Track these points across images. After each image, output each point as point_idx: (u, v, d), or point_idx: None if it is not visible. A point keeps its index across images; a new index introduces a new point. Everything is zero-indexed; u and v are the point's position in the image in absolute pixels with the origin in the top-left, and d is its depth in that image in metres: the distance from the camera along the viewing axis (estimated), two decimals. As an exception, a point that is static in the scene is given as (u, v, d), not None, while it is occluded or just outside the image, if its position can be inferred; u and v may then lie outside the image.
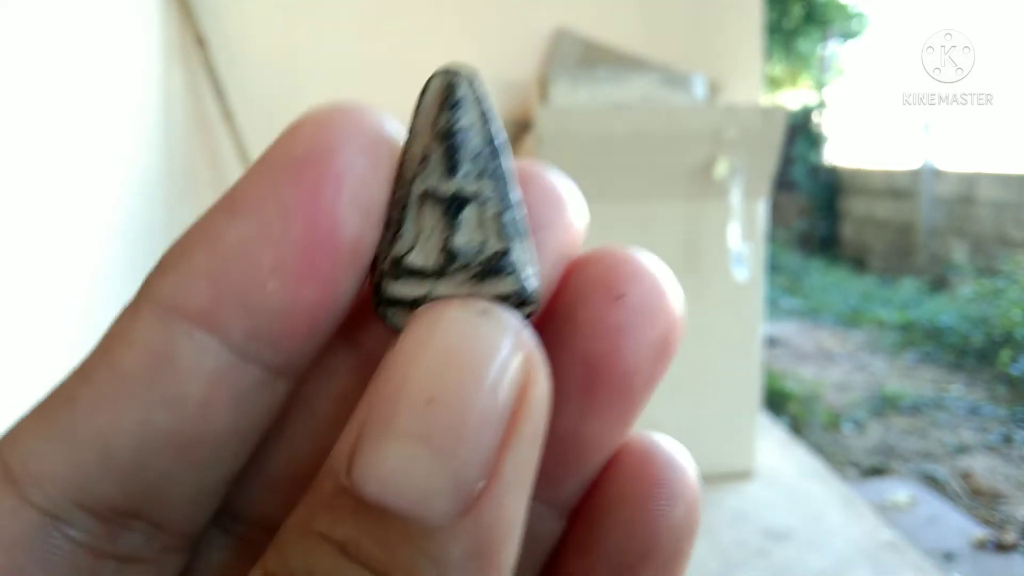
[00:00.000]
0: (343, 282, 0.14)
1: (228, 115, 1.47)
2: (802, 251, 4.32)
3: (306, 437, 0.16)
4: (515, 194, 0.15)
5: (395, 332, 0.14)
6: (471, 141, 0.15)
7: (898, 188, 3.87)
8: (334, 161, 0.14)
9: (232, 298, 0.13)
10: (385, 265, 0.14)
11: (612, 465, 0.16)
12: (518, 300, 0.14)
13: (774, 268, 3.42)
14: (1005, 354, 2.36)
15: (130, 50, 1.24)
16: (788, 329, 2.95)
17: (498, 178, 0.15)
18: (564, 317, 0.15)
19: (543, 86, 1.42)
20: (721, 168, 1.31)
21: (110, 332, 0.14)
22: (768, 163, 1.34)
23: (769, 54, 4.65)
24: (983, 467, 1.80)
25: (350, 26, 1.54)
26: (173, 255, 0.14)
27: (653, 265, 0.15)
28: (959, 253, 3.41)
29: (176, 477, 0.14)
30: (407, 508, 0.12)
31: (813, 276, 3.78)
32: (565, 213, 0.16)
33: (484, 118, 0.15)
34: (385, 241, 0.14)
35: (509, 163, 0.15)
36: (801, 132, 4.49)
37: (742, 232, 1.33)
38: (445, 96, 0.15)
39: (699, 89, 1.45)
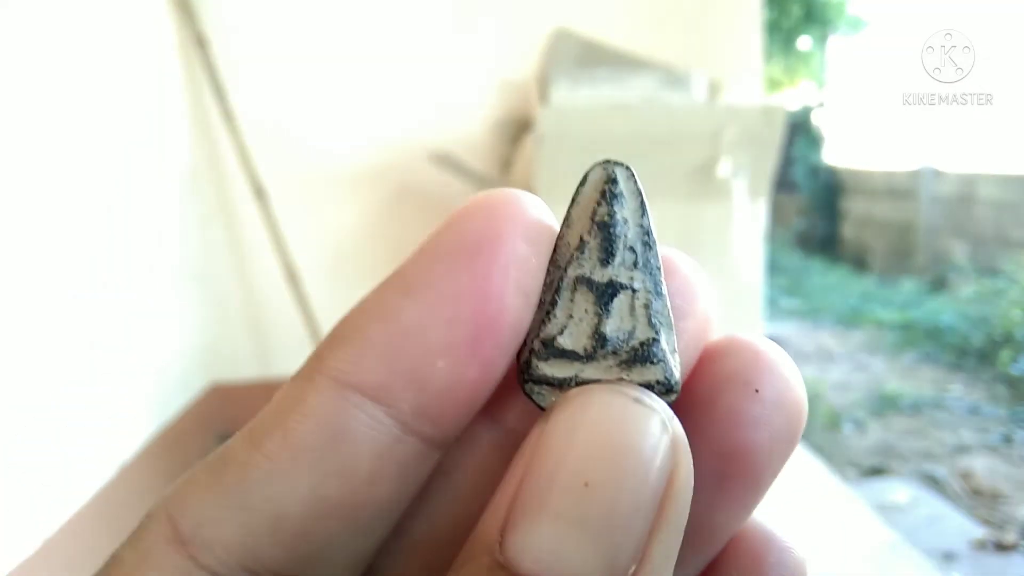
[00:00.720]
0: (501, 361, 0.15)
1: (228, 115, 1.47)
2: (802, 251, 4.32)
3: (446, 505, 0.16)
4: (663, 285, 0.15)
5: (540, 409, 0.15)
6: (628, 232, 0.15)
7: (898, 188, 3.87)
8: (503, 249, 0.14)
9: (405, 374, 0.14)
10: (535, 345, 0.15)
11: (730, 549, 0.17)
12: (664, 388, 0.15)
13: (774, 268, 3.42)
14: (1005, 354, 2.36)
15: (130, 50, 1.24)
16: (788, 329, 2.95)
17: (650, 269, 0.15)
18: (701, 407, 0.16)
19: (543, 86, 1.42)
20: (721, 168, 1.31)
21: (283, 401, 0.14)
22: (768, 163, 1.34)
23: (769, 54, 4.65)
24: (983, 467, 1.80)
25: (350, 26, 1.54)
26: (347, 329, 0.14)
27: (783, 358, 0.16)
28: (959, 253, 3.41)
29: (338, 543, 0.14)
30: None
31: (813, 276, 3.78)
32: (700, 303, 0.16)
33: (640, 211, 0.16)
34: (536, 322, 0.15)
35: (659, 255, 0.16)
36: (801, 132, 4.49)
37: (743, 231, 1.33)
38: (606, 188, 0.15)
39: (699, 89, 1.45)
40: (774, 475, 0.16)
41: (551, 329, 0.15)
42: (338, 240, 1.60)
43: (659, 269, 0.15)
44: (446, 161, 1.50)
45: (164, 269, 1.30)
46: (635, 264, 0.15)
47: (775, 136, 1.33)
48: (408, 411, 0.14)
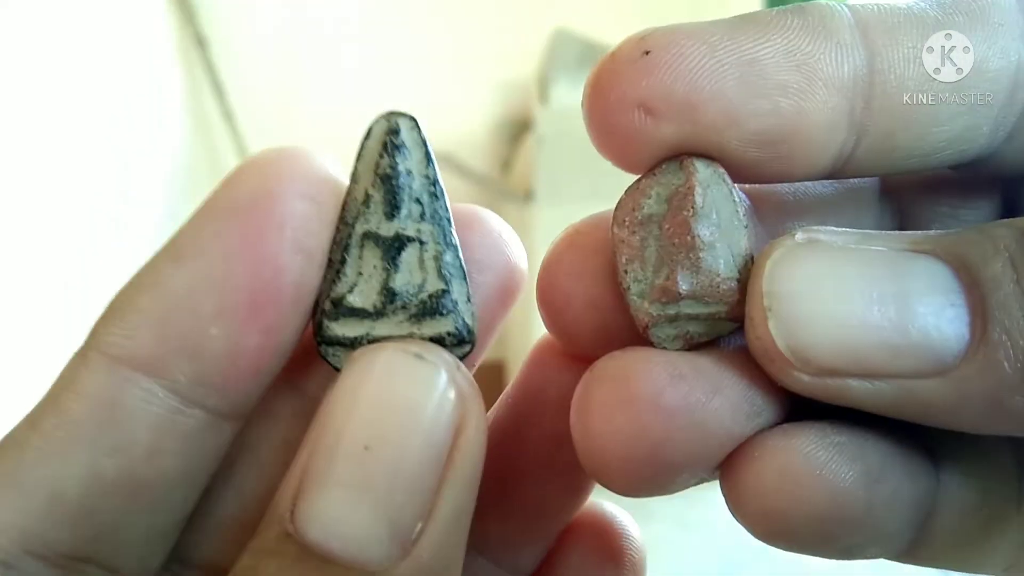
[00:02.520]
0: (286, 325, 0.14)
1: (228, 115, 1.47)
2: (802, 251, 4.33)
3: (253, 482, 0.16)
4: (454, 236, 0.15)
5: (338, 372, 0.14)
6: (413, 184, 0.15)
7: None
8: (276, 206, 0.14)
9: (177, 345, 0.13)
10: (326, 305, 0.15)
11: (569, 533, 0.17)
12: (456, 340, 0.15)
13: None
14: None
15: (130, 50, 1.24)
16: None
17: (438, 220, 0.15)
18: (534, 395, 0.16)
19: (543, 86, 1.42)
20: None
21: (58, 380, 0.14)
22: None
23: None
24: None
25: (350, 26, 1.54)
26: (119, 302, 0.14)
27: None
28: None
29: (127, 521, 0.14)
30: (347, 554, 0.12)
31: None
32: (505, 255, 0.16)
33: (425, 162, 0.15)
34: (327, 281, 0.15)
35: (447, 206, 0.15)
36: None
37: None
38: (387, 140, 0.15)
39: (699, 89, 1.45)
40: None
41: (341, 288, 0.15)
42: (338, 240, 1.60)
43: (449, 220, 0.15)
44: (446, 161, 1.50)
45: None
46: (422, 216, 0.15)
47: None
48: (185, 382, 0.13)
